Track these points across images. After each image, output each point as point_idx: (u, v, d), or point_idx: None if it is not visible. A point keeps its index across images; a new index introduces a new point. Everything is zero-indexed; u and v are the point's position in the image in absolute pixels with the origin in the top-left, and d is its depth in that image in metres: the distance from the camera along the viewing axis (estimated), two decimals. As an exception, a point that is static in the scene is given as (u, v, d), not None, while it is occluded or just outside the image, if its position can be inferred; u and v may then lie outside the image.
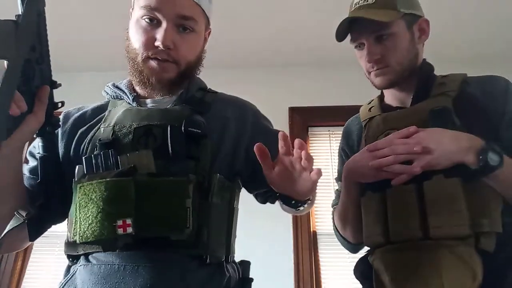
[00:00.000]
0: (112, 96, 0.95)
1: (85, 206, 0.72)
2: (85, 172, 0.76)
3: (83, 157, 0.77)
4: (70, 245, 0.78)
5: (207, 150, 0.83)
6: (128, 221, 0.70)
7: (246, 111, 0.96)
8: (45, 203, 0.79)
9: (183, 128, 0.80)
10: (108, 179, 0.73)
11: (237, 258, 0.93)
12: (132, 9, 0.89)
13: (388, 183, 0.88)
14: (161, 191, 0.74)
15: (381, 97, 1.10)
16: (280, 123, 2.35)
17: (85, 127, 0.88)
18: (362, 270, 0.97)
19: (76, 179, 0.76)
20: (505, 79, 0.95)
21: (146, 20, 0.83)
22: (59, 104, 0.79)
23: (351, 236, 1.05)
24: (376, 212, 0.91)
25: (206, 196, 0.80)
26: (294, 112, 2.40)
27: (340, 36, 1.03)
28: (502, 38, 2.23)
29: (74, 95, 2.46)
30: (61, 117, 0.89)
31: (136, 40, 0.85)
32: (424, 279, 0.80)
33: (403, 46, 0.98)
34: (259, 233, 2.08)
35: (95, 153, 0.78)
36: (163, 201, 0.74)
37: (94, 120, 0.89)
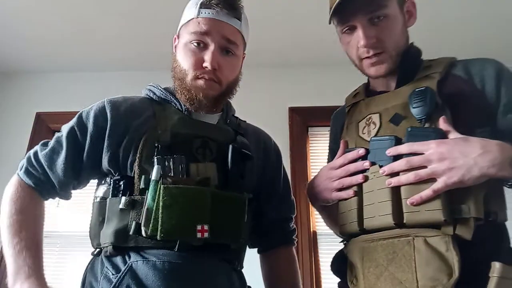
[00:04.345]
0: (159, 98, 0.99)
1: (170, 207, 0.79)
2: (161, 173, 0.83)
3: (156, 157, 0.84)
4: (129, 238, 0.81)
5: (253, 171, 0.97)
6: (206, 227, 0.80)
7: (271, 146, 1.11)
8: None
9: (231, 147, 0.91)
10: (192, 187, 0.82)
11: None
12: (178, 36, 1.00)
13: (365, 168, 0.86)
14: (227, 203, 0.86)
15: (366, 84, 1.06)
16: (280, 123, 2.36)
17: (138, 121, 0.92)
18: (339, 265, 0.92)
19: (154, 178, 0.82)
20: (496, 62, 0.88)
21: (195, 44, 0.93)
22: None
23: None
24: (352, 197, 0.86)
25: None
26: (294, 112, 2.40)
27: (332, 18, 0.94)
28: (503, 37, 2.23)
29: (71, 95, 2.46)
30: (107, 103, 0.95)
31: (185, 61, 0.94)
32: (396, 276, 0.75)
33: (398, 28, 0.91)
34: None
35: (155, 155, 0.85)
36: (229, 213, 0.86)
37: (144, 117, 0.94)
